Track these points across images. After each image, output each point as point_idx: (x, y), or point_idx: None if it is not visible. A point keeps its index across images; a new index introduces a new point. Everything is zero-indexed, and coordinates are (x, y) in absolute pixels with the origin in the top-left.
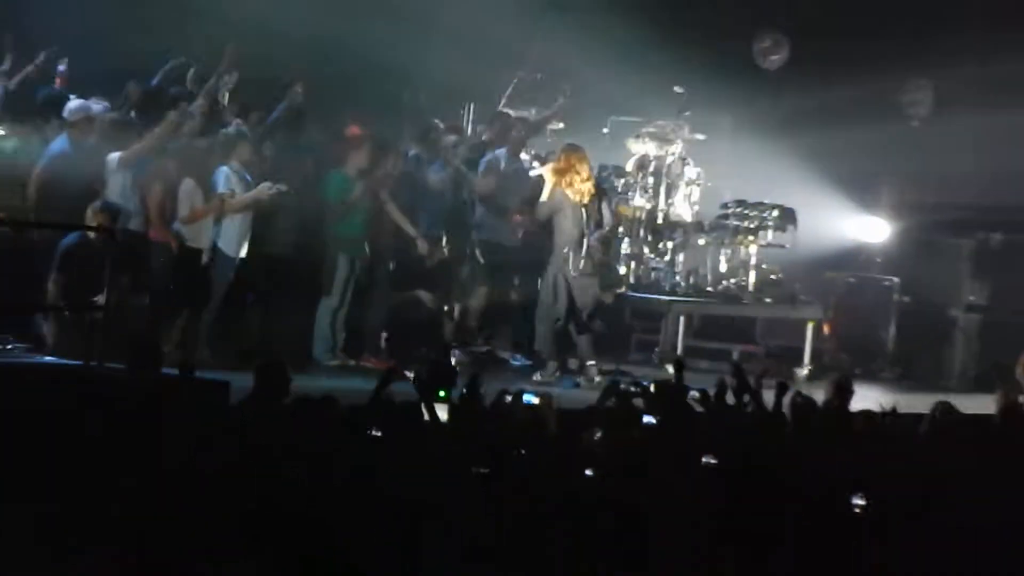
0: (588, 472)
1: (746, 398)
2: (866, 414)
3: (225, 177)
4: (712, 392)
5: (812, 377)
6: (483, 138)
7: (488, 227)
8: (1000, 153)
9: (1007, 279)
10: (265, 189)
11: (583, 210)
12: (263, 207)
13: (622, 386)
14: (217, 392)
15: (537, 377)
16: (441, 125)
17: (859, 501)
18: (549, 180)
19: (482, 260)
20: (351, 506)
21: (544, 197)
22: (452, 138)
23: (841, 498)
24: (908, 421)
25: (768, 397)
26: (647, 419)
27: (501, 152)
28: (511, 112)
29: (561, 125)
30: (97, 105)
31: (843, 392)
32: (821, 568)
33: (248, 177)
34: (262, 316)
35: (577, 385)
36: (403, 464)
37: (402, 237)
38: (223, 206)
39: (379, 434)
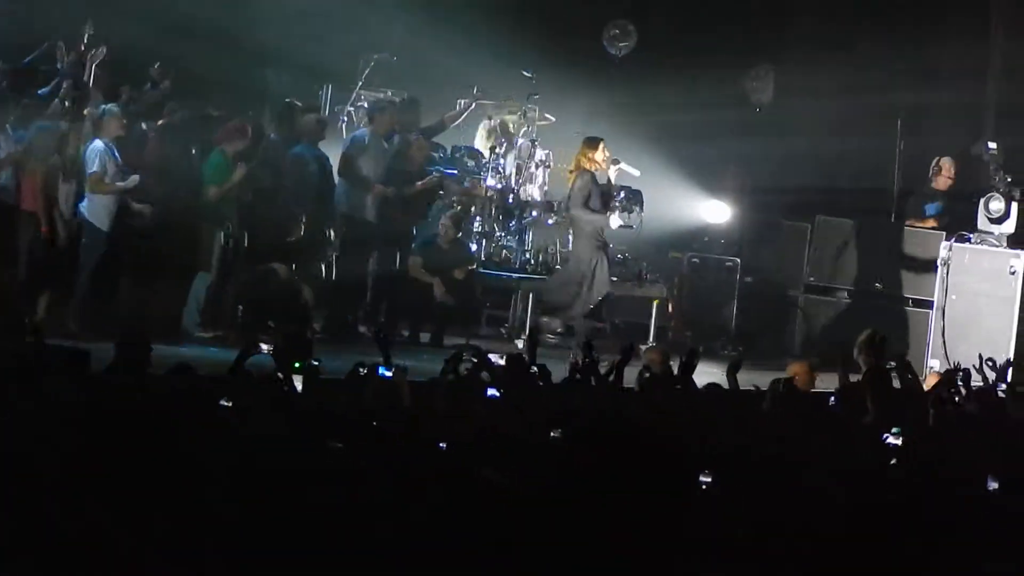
0: (442, 445)
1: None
2: (712, 390)
3: (99, 153)
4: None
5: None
6: (342, 118)
7: (349, 201)
8: (837, 137)
9: (845, 260)
10: (133, 183)
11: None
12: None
13: (465, 357)
14: (77, 362)
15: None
16: (300, 105)
17: (705, 478)
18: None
19: (341, 235)
20: (202, 477)
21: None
22: (312, 117)
23: (688, 474)
24: (751, 397)
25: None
26: (491, 392)
27: (367, 130)
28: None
29: (551, 119)
30: None
31: (687, 367)
32: (666, 545)
33: (116, 154)
34: (131, 289)
35: None
36: (256, 435)
37: (263, 212)
38: (97, 185)
39: (231, 405)
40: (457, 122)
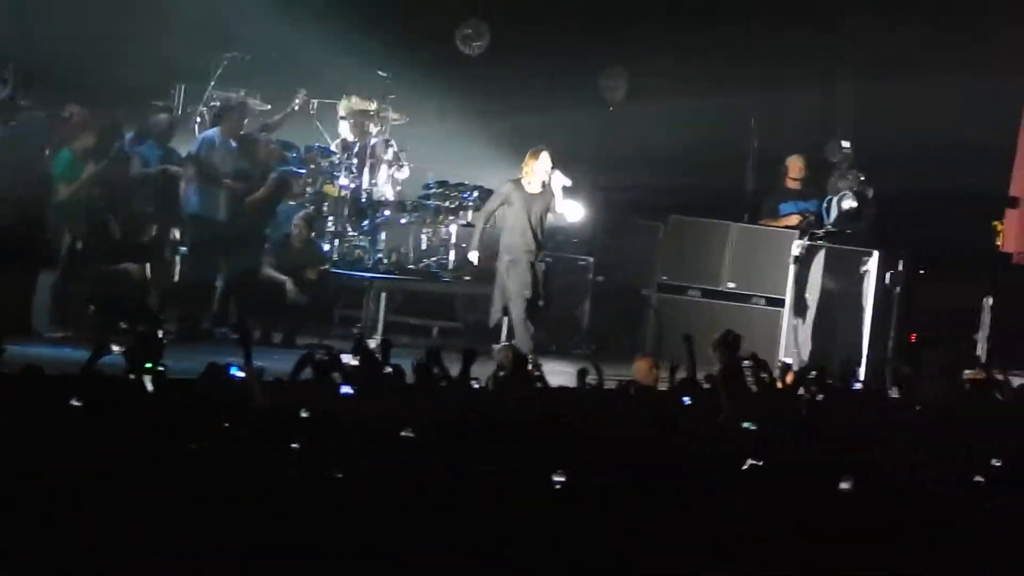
0: (294, 445)
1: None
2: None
3: None
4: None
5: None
6: (195, 118)
7: (199, 201)
8: (691, 137)
9: (699, 258)
10: None
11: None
12: None
13: (317, 357)
14: None
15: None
16: (154, 104)
17: (558, 478)
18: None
19: (192, 236)
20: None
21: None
22: (162, 117)
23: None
24: (604, 395)
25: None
26: (345, 389)
27: (215, 131)
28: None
29: (405, 118)
30: None
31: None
32: (520, 547)
33: None
34: None
35: None
36: (109, 437)
37: (114, 211)
38: None
39: (81, 405)
40: (281, 124)
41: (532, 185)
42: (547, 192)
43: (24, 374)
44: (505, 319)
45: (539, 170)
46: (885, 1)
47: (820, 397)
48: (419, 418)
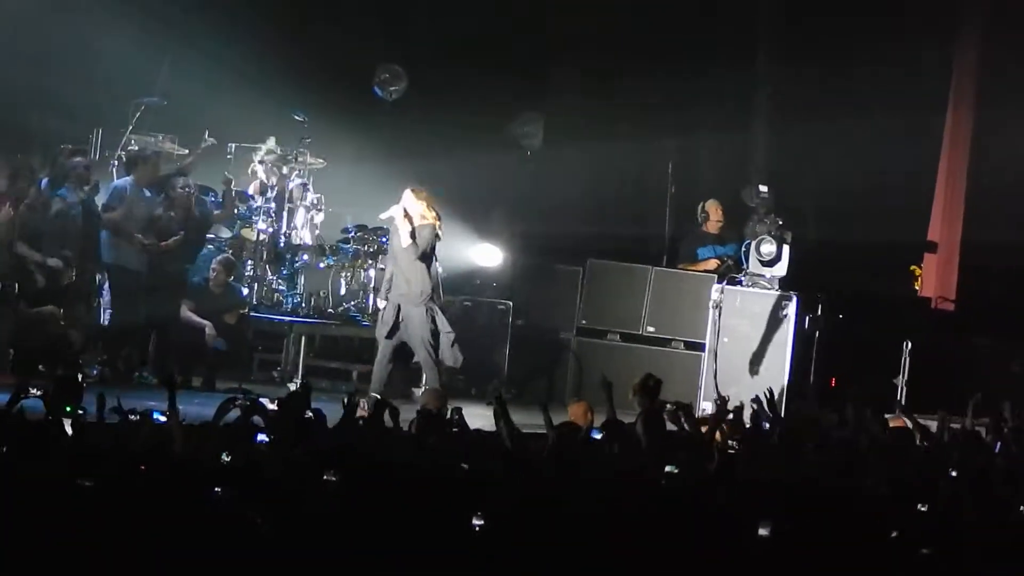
0: (217, 489)
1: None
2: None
3: None
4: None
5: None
6: (112, 163)
7: (114, 251)
8: (608, 182)
9: (617, 303)
10: None
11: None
12: None
13: (238, 403)
14: None
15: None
16: (69, 149)
17: (479, 521)
18: (421, 217)
19: (108, 282)
20: None
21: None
22: (79, 161)
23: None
24: (528, 439)
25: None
26: (261, 437)
27: (128, 180)
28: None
29: (322, 162)
30: None
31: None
32: None
33: None
34: None
35: None
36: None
37: (34, 254)
38: None
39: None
40: (194, 166)
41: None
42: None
43: None
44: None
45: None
46: (795, 45)
47: (736, 443)
48: (340, 461)
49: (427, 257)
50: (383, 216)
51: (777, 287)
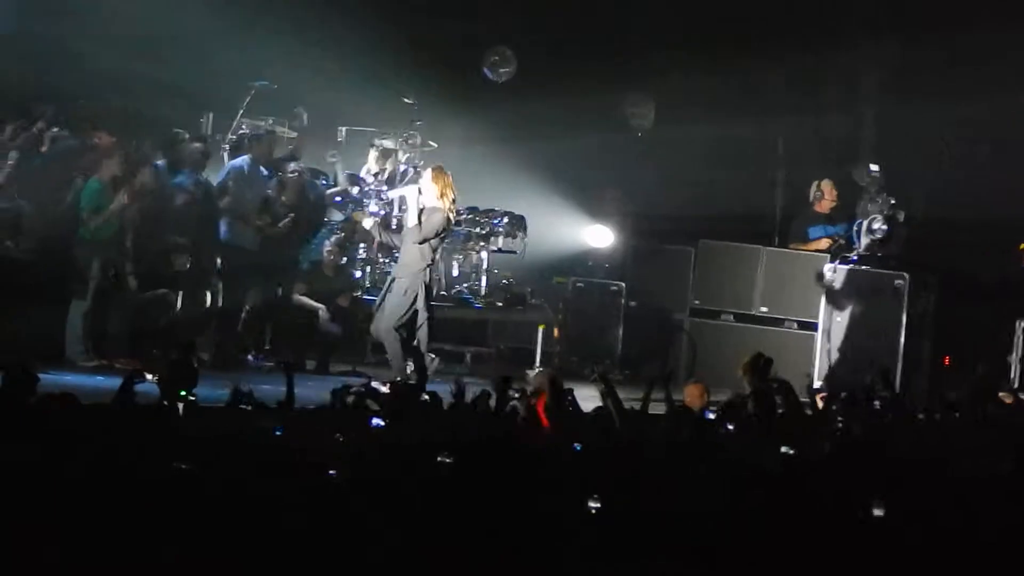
0: (331, 472)
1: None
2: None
3: None
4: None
5: None
6: (224, 147)
7: (230, 233)
8: (719, 162)
9: (730, 283)
10: None
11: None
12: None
13: (353, 389)
14: None
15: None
16: (185, 134)
17: (594, 504)
18: (436, 199)
19: (224, 265)
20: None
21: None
22: (197, 146)
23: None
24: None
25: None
26: (376, 422)
27: (244, 159)
28: (253, 122)
29: (434, 145)
30: None
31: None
32: (546, 568)
33: None
34: (11, 317)
35: None
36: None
37: (149, 241)
38: None
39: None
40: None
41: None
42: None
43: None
44: None
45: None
46: (906, 22)
47: (851, 421)
48: (455, 444)
49: (428, 242)
50: (394, 193)
51: (889, 266)
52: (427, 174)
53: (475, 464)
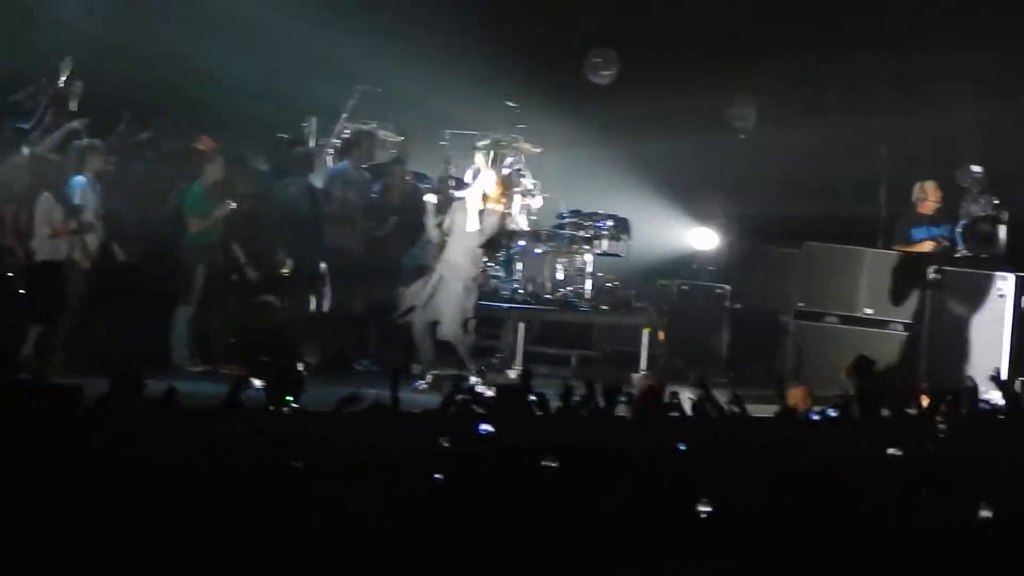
0: (437, 476)
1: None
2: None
3: (80, 188)
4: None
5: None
6: (328, 151)
7: (334, 237)
8: (822, 163)
9: (834, 285)
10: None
11: None
12: (113, 219)
13: (458, 397)
14: (69, 398)
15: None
16: (288, 138)
17: (705, 508)
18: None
19: (329, 270)
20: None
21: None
22: (300, 150)
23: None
24: (750, 423)
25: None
26: (484, 427)
27: (344, 164)
28: (356, 126)
29: (538, 149)
30: None
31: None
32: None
33: (92, 189)
34: (116, 323)
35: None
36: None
37: (253, 246)
38: (81, 226)
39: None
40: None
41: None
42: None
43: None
44: None
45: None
46: (1009, 21)
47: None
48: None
49: (492, 244)
50: (459, 194)
51: (993, 267)
52: (487, 174)
53: (580, 468)
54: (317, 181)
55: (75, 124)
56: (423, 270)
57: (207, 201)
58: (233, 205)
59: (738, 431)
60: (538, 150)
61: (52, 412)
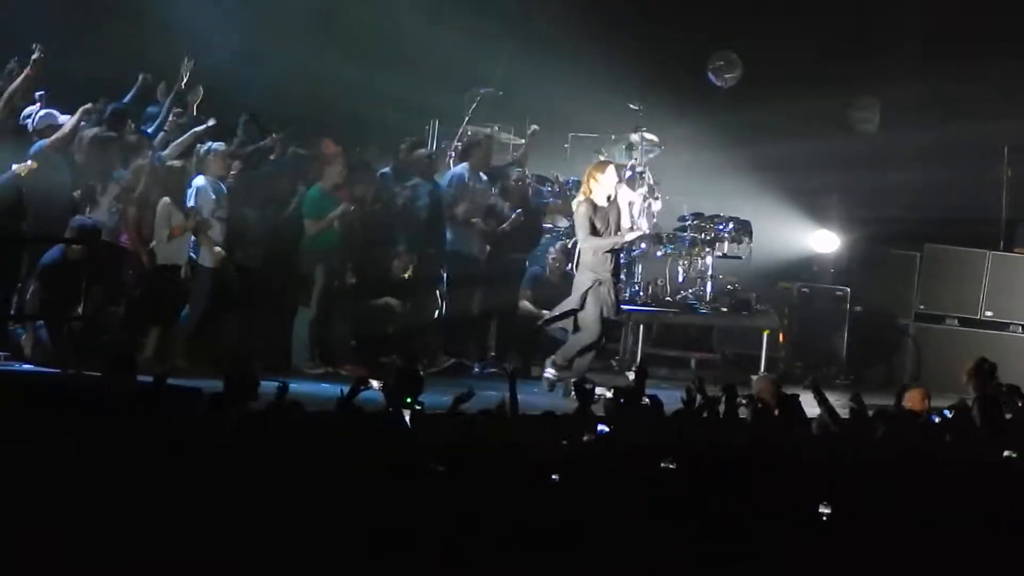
0: (554, 477)
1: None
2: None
3: (199, 190)
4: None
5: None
6: (450, 154)
7: (455, 240)
8: (943, 166)
9: (955, 287)
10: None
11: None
12: (234, 223)
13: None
14: (189, 399)
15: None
16: (410, 141)
17: (825, 509)
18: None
19: (449, 272)
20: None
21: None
22: (422, 153)
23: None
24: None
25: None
26: (602, 428)
27: (464, 167)
28: (477, 129)
29: (658, 150)
30: (63, 117)
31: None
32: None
33: (223, 188)
34: (237, 326)
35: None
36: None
37: (374, 248)
38: (199, 225)
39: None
40: (524, 156)
41: (600, 200)
42: (614, 207)
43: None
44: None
45: (605, 183)
46: None
47: None
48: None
49: (587, 238)
50: (634, 199)
51: None
52: (613, 171)
53: (698, 469)
54: (439, 183)
55: (200, 128)
56: (544, 272)
57: (324, 204)
58: (351, 208)
59: (858, 435)
60: (659, 150)
61: (171, 415)
